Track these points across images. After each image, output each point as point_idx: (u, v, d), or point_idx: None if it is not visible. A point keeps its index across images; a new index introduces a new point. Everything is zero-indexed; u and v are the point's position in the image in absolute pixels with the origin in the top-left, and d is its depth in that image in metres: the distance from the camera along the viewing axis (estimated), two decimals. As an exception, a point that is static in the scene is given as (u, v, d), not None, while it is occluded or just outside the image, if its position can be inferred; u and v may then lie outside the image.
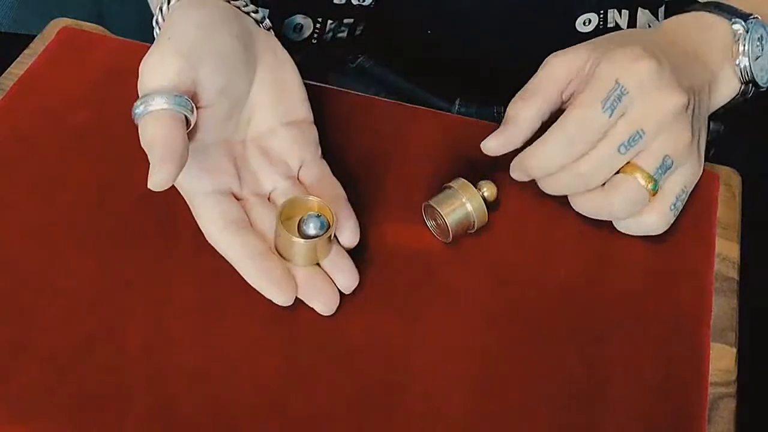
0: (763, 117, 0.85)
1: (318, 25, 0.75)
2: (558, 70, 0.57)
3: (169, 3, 0.57)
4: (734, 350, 0.54)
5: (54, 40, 0.67)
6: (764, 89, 0.62)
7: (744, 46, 0.60)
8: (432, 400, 0.51)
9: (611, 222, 0.58)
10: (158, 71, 0.53)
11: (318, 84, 0.63)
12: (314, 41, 0.75)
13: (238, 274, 0.54)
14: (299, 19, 0.74)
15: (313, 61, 0.62)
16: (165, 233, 0.57)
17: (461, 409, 0.51)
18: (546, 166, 0.56)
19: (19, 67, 0.65)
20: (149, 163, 0.50)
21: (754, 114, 0.81)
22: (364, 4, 0.73)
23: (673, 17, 0.63)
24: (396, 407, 0.50)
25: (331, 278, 0.54)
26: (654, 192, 0.56)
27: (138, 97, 0.53)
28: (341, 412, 0.50)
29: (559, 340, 0.54)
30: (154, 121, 0.51)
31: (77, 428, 0.49)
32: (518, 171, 0.57)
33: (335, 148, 0.60)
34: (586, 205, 0.57)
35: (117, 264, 0.55)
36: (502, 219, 0.58)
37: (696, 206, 0.60)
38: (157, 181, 0.49)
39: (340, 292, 0.54)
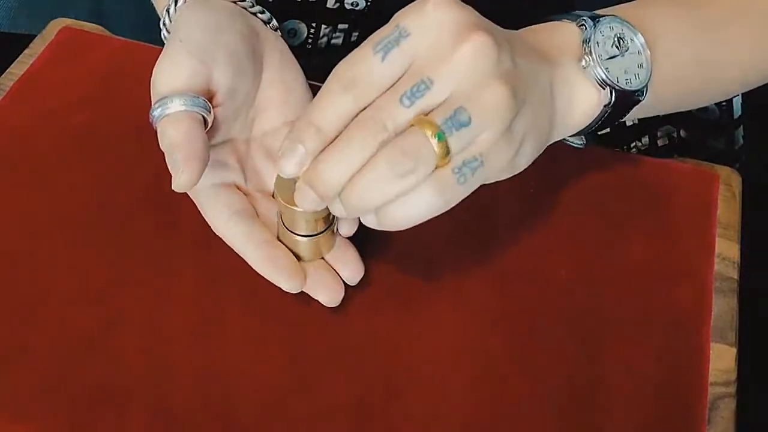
0: (762, 116, 0.85)
1: (312, 31, 0.75)
2: None
3: (176, 4, 0.57)
4: (734, 350, 0.54)
5: (54, 40, 0.67)
6: (640, 96, 0.53)
7: (591, 43, 0.52)
8: (433, 400, 0.51)
9: (611, 222, 0.58)
10: (172, 73, 0.53)
11: (318, 84, 0.63)
12: (309, 46, 0.75)
13: (239, 273, 0.54)
14: (293, 24, 0.74)
15: (313, 62, 0.62)
16: (165, 233, 0.57)
17: (461, 410, 0.51)
18: (329, 119, 0.46)
19: (19, 67, 0.65)
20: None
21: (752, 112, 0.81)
22: (357, 8, 0.73)
23: (525, 28, 0.54)
24: (396, 407, 0.50)
25: (335, 270, 0.54)
26: (443, 152, 0.45)
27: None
28: (342, 412, 0.50)
29: (559, 340, 0.54)
30: (173, 124, 0.51)
31: (77, 428, 0.49)
32: (289, 150, 0.46)
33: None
34: (364, 182, 0.45)
35: (117, 264, 0.55)
36: (502, 219, 0.58)
37: (696, 206, 0.60)
38: (181, 182, 0.50)
39: (346, 287, 0.54)
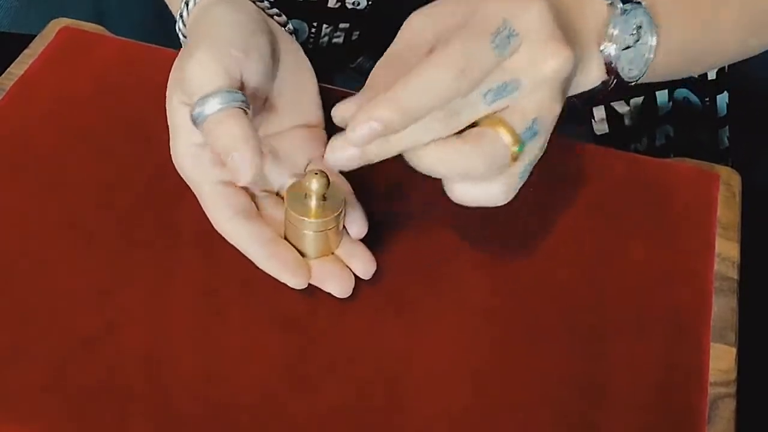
0: (762, 117, 0.85)
1: (313, 30, 0.75)
2: (421, 32, 0.49)
3: None
4: (734, 350, 0.54)
5: (54, 40, 0.67)
6: (632, 82, 0.55)
7: (615, 30, 0.52)
8: (432, 400, 0.51)
9: (611, 222, 0.58)
10: (208, 72, 0.52)
11: (319, 84, 0.63)
12: (310, 46, 0.76)
13: (239, 273, 0.54)
14: (294, 23, 0.75)
15: (314, 61, 0.62)
16: (165, 233, 0.57)
17: (461, 410, 0.51)
18: (423, 104, 0.44)
19: (19, 67, 0.65)
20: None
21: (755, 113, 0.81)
22: (358, 7, 0.73)
23: None
24: (397, 407, 0.50)
25: (346, 265, 0.54)
26: (516, 158, 0.47)
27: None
28: (342, 413, 0.50)
29: (559, 340, 0.54)
30: (223, 123, 0.50)
31: (77, 428, 0.49)
32: (364, 124, 0.44)
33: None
34: (434, 157, 0.46)
35: (117, 264, 0.55)
36: (502, 219, 0.58)
37: (696, 206, 0.60)
38: (250, 177, 0.49)
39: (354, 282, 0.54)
